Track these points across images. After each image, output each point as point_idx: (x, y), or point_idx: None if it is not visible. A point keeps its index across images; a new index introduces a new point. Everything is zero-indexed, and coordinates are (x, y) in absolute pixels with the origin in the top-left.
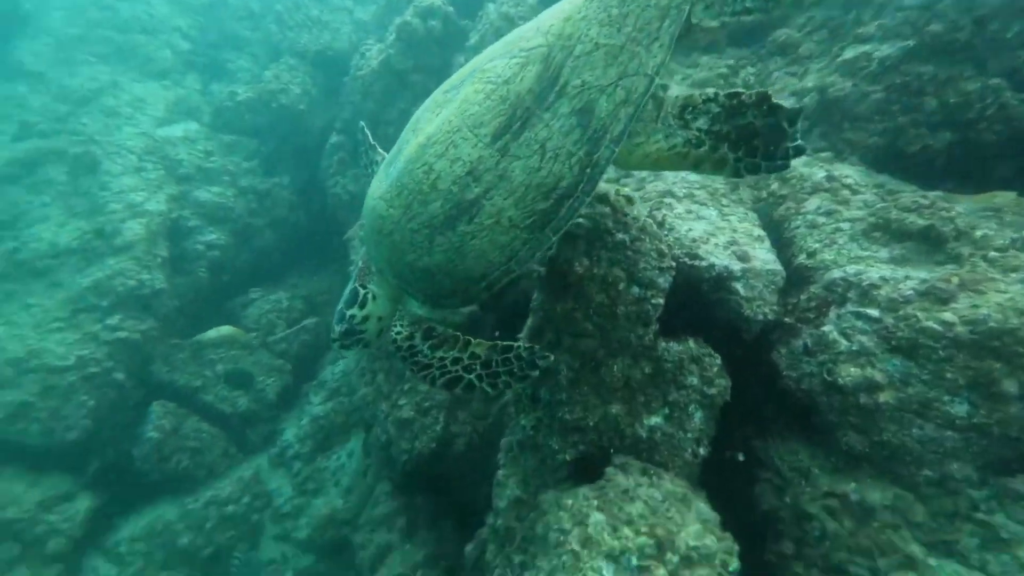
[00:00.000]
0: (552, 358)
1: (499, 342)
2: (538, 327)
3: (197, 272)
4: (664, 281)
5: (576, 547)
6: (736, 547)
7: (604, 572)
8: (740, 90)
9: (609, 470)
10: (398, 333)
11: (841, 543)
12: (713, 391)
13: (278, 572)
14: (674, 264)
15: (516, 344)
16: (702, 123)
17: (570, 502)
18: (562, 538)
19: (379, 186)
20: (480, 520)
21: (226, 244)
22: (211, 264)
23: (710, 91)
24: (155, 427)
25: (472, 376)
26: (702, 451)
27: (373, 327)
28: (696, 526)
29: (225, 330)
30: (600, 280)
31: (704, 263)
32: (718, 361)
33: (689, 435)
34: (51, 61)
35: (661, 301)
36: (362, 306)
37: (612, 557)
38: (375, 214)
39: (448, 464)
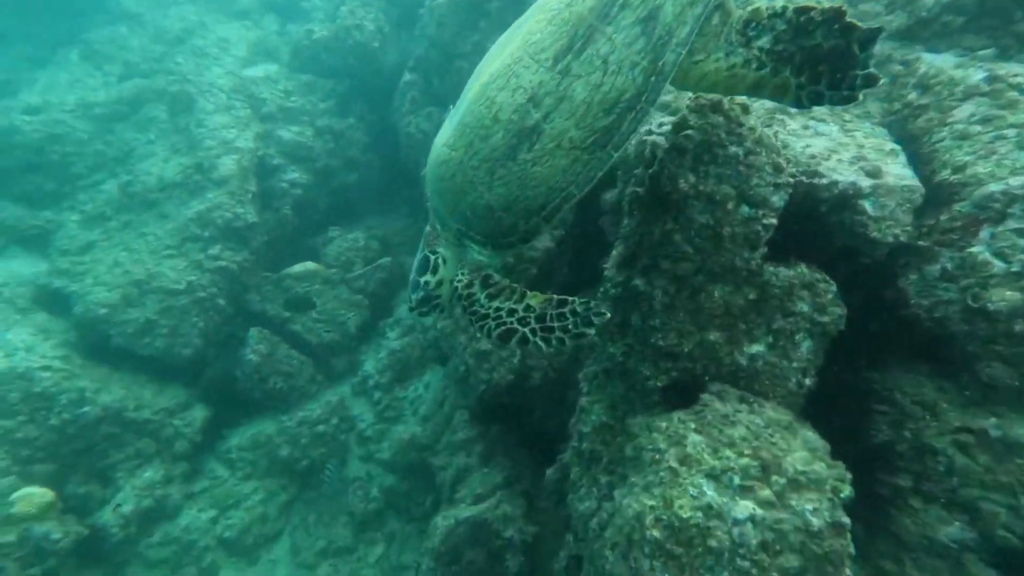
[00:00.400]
0: (608, 315)
1: (555, 296)
2: (630, 254)
3: (282, 210)
4: (779, 199)
5: (674, 464)
6: (849, 475)
7: (705, 489)
8: (812, 3)
9: (705, 396)
10: (459, 281)
11: (973, 479)
12: (825, 319)
13: (364, 487)
14: (791, 180)
15: (571, 299)
16: (765, 42)
17: (664, 424)
18: (657, 456)
19: (443, 134)
20: (556, 449)
21: (307, 183)
22: (294, 202)
23: (779, 3)
24: (253, 351)
25: (526, 330)
26: (808, 382)
27: (447, 291)
28: (803, 452)
29: (309, 265)
30: (706, 198)
31: (825, 180)
32: (833, 288)
33: (794, 365)
34: (148, 3)
35: (773, 221)
36: (434, 271)
37: (713, 476)
38: (438, 160)
39: (524, 395)
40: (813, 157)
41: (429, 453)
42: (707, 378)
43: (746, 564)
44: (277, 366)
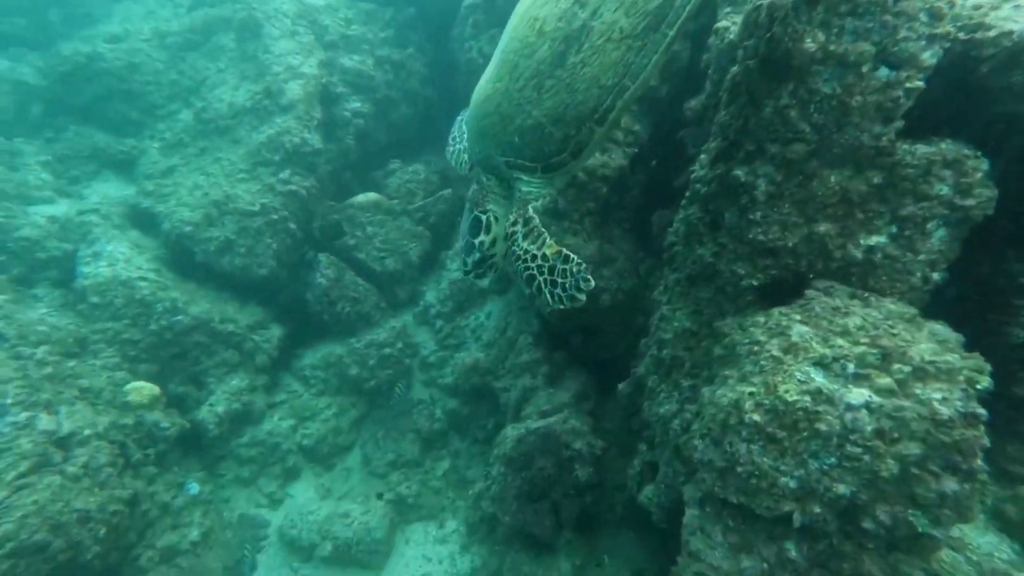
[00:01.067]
0: (592, 283)
1: (563, 251)
2: (728, 144)
3: (345, 139)
4: (930, 56)
5: (777, 353)
6: (988, 367)
7: (813, 376)
8: None
9: (809, 292)
10: (507, 221)
11: None
12: (969, 203)
13: (429, 409)
14: (951, 30)
15: (572, 258)
16: None
17: (763, 319)
18: (756, 349)
19: (482, 82)
20: (621, 372)
21: (368, 114)
22: (357, 132)
23: None
24: (323, 275)
25: (542, 279)
26: (936, 276)
27: (501, 248)
28: (931, 344)
29: (371, 196)
30: (836, 60)
31: (992, 32)
32: (984, 166)
33: (921, 257)
34: None
35: (918, 85)
36: (487, 230)
37: (823, 364)
38: (481, 99)
39: (592, 317)
40: (977, 8)
41: (492, 377)
42: (812, 276)
43: (857, 450)
44: (344, 291)
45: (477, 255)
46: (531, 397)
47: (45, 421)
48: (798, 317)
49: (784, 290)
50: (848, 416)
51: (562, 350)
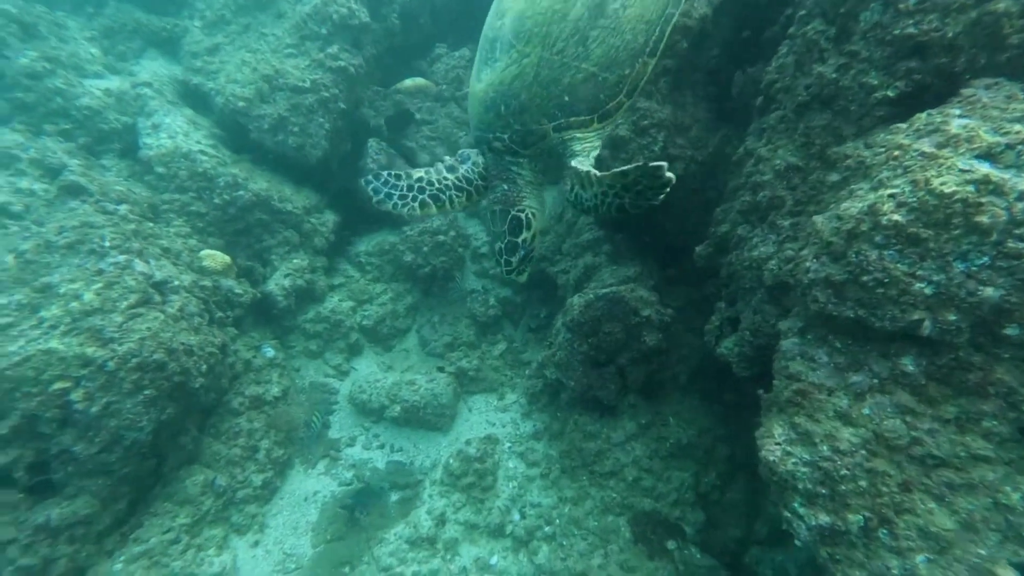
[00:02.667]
0: (664, 166)
1: (617, 169)
2: None
3: (390, 17)
4: None
5: (929, 149)
6: None
7: (979, 166)
8: None
9: (966, 91)
10: (566, 192)
11: None
12: None
13: (483, 297)
14: None
15: (629, 168)
16: None
17: (904, 126)
18: (899, 152)
19: (490, 70)
20: (683, 259)
21: None
22: (401, 10)
23: None
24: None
25: (625, 201)
26: None
27: (537, 241)
28: None
29: (419, 80)
30: None
31: None
32: None
33: None
34: None
35: None
36: (528, 227)
37: (992, 154)
38: (508, 79)
39: None
40: None
41: (547, 263)
42: (969, 76)
43: (1020, 246)
44: None
45: (521, 252)
46: (593, 275)
47: (141, 266)
48: (956, 112)
49: (925, 100)
50: (1020, 206)
51: (626, 231)
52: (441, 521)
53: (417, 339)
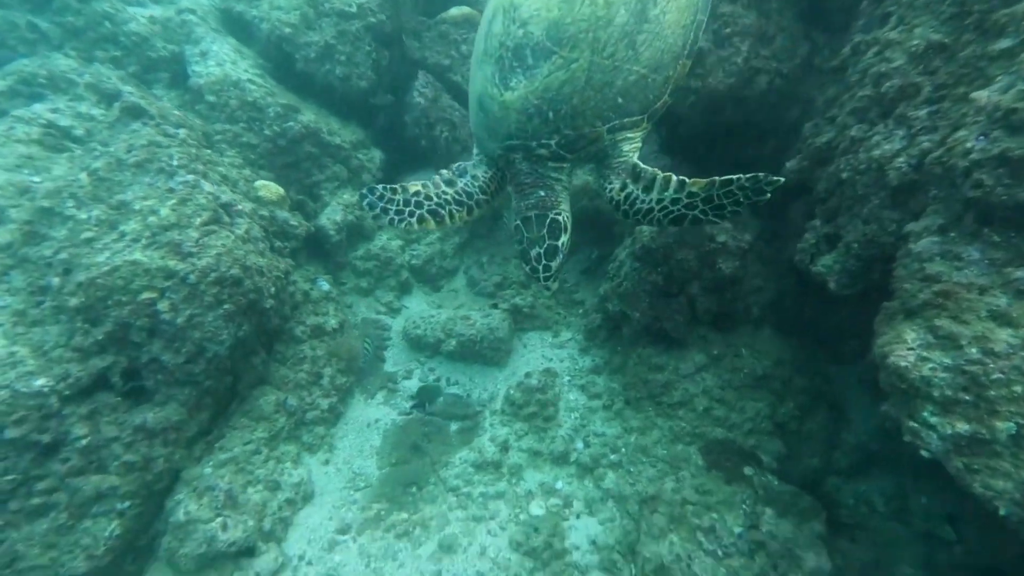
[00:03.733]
0: (782, 180)
1: (716, 179)
2: None
3: None
4: None
5: None
6: None
7: None
8: None
9: None
10: (610, 190)
11: None
12: None
13: None
14: None
15: (736, 177)
16: None
17: None
18: None
19: (525, 78)
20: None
21: None
22: None
23: None
24: (420, 93)
25: (696, 212)
26: None
27: (569, 242)
28: None
29: (465, 9)
30: None
31: None
32: None
33: None
34: None
35: None
36: (566, 230)
37: None
38: (557, 84)
39: (740, 110)
40: None
41: (602, 200)
42: None
43: None
44: (442, 113)
45: (560, 257)
46: None
47: (208, 186)
48: None
49: None
50: None
51: (693, 163)
52: (504, 448)
53: (465, 279)
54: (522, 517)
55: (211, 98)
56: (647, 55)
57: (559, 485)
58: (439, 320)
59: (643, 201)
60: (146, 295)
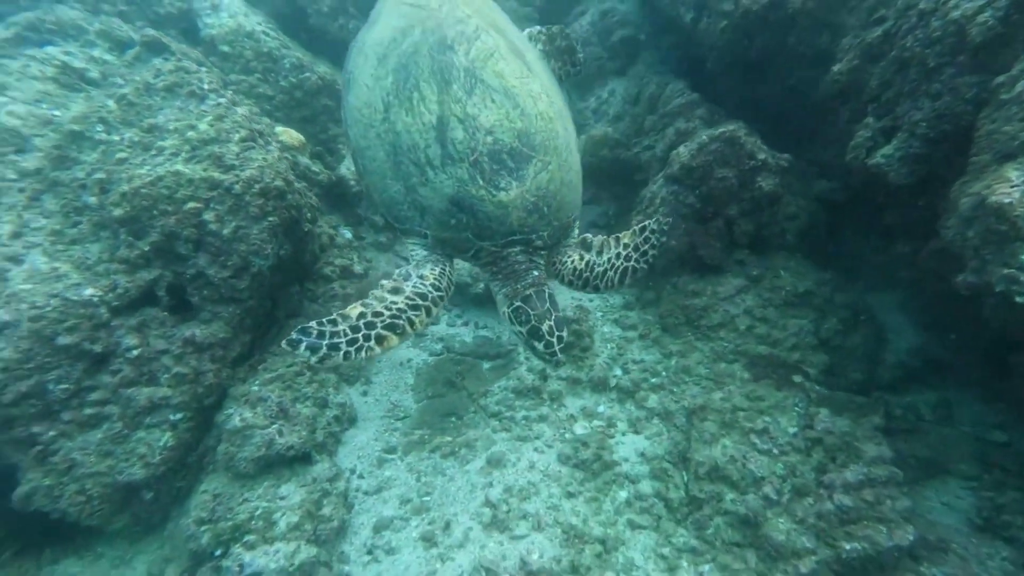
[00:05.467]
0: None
1: (636, 227)
2: None
3: None
4: None
5: None
6: None
7: None
8: None
9: None
10: (572, 263)
11: None
12: None
13: None
14: None
15: (647, 223)
16: None
17: None
18: None
19: (516, 180)
20: (786, 116)
21: None
22: None
23: None
24: None
25: (632, 262)
26: None
27: None
28: None
29: None
30: None
31: None
32: None
33: None
34: None
35: None
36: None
37: None
38: (543, 182)
39: (770, 33)
40: None
41: (623, 149)
42: None
43: None
44: None
45: (564, 332)
46: (686, 141)
47: (241, 110)
48: None
49: None
50: None
51: (717, 101)
52: (543, 376)
53: None
54: (567, 436)
55: (225, 48)
56: (575, 159)
57: (601, 409)
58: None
59: (599, 264)
60: (191, 205)
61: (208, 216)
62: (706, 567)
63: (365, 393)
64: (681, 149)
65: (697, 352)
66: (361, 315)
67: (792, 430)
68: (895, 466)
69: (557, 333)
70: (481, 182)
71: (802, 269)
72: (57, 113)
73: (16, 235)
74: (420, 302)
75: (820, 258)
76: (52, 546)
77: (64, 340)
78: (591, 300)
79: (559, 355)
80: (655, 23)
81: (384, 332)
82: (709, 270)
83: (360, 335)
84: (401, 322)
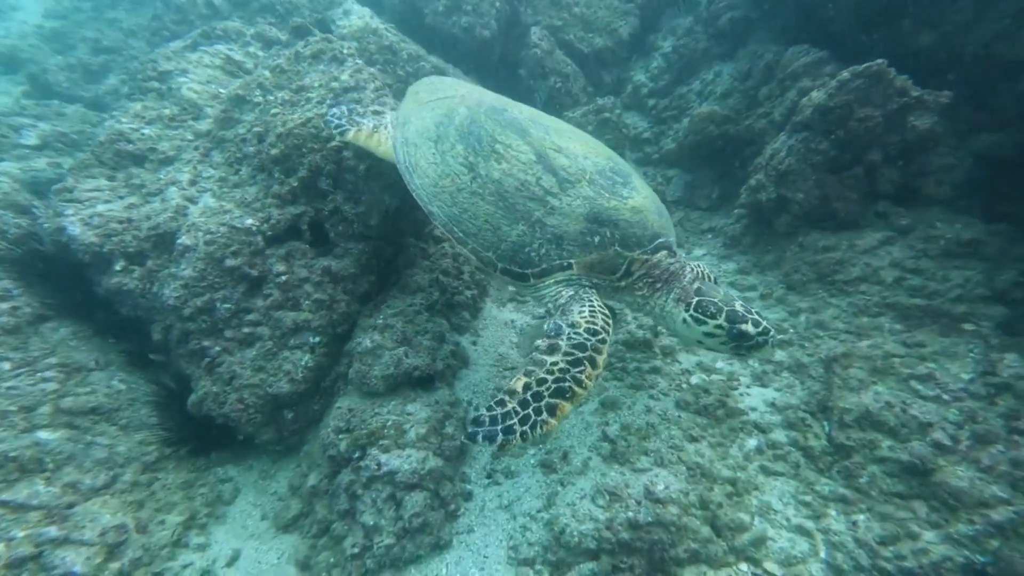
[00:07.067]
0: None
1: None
2: None
3: None
4: None
5: None
6: None
7: None
8: None
9: None
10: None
11: None
12: None
13: (650, 175)
14: None
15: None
16: None
17: None
18: None
19: (624, 190)
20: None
21: None
22: None
23: None
24: (535, 45)
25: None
26: None
27: None
28: None
29: None
30: None
31: None
32: None
33: None
34: None
35: None
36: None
37: None
38: (646, 190)
39: None
40: None
41: (731, 125)
42: None
43: None
44: (555, 65)
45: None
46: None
47: (373, 70)
48: None
49: None
50: None
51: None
52: (655, 332)
53: None
54: (683, 387)
55: (353, 43)
56: None
57: (719, 365)
58: None
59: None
60: (334, 143)
61: (347, 153)
62: (861, 517)
63: (475, 343)
64: (814, 93)
65: (832, 308)
66: (527, 386)
67: (967, 376)
68: None
69: (755, 312)
70: (607, 195)
71: (963, 221)
72: (223, 91)
73: (192, 182)
74: (579, 354)
75: (985, 216)
76: (217, 451)
77: (230, 262)
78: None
79: (772, 329)
80: None
81: (553, 401)
82: (844, 226)
83: (531, 410)
84: (567, 384)
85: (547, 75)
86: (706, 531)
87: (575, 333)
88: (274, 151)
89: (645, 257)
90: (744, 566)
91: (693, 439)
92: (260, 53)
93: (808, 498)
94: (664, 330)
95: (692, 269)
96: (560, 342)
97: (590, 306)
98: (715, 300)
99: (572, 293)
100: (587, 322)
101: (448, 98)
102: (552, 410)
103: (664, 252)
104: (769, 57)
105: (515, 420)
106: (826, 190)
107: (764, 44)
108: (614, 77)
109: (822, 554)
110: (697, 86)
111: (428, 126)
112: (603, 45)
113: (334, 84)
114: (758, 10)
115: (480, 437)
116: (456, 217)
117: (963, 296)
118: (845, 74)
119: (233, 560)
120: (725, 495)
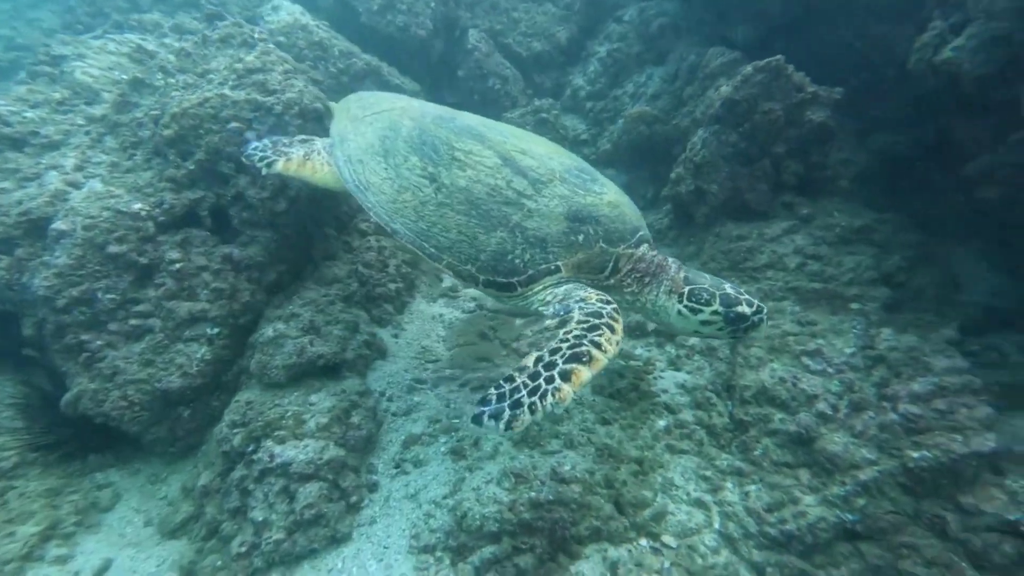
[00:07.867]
0: None
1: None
2: None
3: None
4: None
5: None
6: None
7: None
8: None
9: None
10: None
11: None
12: None
13: None
14: None
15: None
16: None
17: None
18: None
19: (596, 186)
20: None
21: None
22: None
23: None
24: (474, 47)
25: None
26: None
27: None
28: None
29: None
30: None
31: None
32: None
33: None
34: None
35: None
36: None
37: None
38: (616, 184)
39: None
40: None
41: (661, 125)
42: None
43: None
44: (495, 68)
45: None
46: None
47: (283, 54)
48: None
49: None
50: None
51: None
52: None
53: None
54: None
55: (281, 38)
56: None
57: (638, 351)
58: None
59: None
60: (235, 124)
61: (250, 135)
62: (753, 487)
63: (396, 336)
64: (723, 87)
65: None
66: (539, 359)
67: (849, 350)
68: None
69: (744, 291)
70: (582, 192)
71: (858, 210)
72: (125, 77)
73: (78, 168)
74: (596, 320)
75: (880, 206)
76: (97, 455)
77: (114, 249)
78: None
79: (764, 307)
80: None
81: (568, 367)
82: (755, 216)
83: (542, 379)
84: (584, 347)
85: (486, 77)
86: (609, 508)
87: (587, 305)
88: (167, 132)
89: (630, 252)
90: (644, 541)
91: (605, 422)
92: (178, 45)
93: (708, 473)
94: (656, 324)
95: (677, 262)
96: (571, 316)
97: (593, 290)
98: (705, 287)
99: (567, 289)
100: (597, 296)
101: (386, 111)
102: (567, 376)
103: (645, 245)
104: (692, 59)
105: (523, 393)
106: (738, 182)
107: (691, 47)
108: (553, 81)
109: (716, 524)
110: (631, 88)
111: (371, 141)
112: (541, 49)
113: (238, 66)
114: (686, 17)
115: (486, 417)
116: (424, 232)
117: (854, 279)
118: (748, 68)
119: (102, 571)
120: (631, 473)
